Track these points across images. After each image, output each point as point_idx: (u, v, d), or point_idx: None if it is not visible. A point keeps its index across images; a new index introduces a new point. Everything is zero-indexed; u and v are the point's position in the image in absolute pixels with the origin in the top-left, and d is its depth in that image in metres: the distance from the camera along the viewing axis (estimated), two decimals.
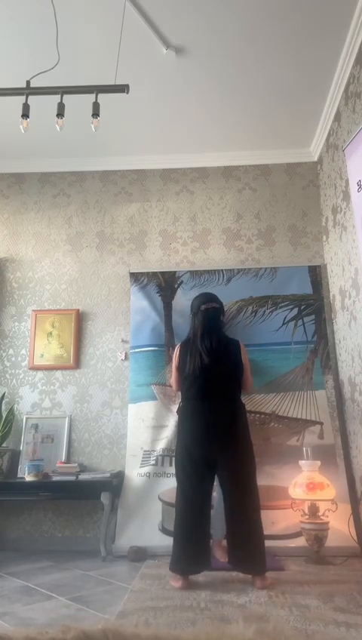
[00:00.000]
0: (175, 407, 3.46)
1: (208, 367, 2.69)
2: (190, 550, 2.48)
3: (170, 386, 3.50)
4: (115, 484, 3.21)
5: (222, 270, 3.84)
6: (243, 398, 3.34)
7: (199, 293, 3.20)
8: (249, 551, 2.43)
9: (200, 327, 2.85)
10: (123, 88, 2.41)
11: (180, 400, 2.85)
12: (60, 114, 2.35)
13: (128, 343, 3.75)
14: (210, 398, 2.67)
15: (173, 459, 3.31)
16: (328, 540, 2.87)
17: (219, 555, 2.70)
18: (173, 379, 2.98)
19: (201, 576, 2.52)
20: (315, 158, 4.06)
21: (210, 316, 2.89)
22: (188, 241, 4.02)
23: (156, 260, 3.98)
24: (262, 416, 3.40)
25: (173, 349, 3.58)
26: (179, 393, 2.93)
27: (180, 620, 1.95)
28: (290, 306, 3.69)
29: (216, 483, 2.65)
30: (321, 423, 3.37)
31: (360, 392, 3.09)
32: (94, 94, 2.39)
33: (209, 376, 2.69)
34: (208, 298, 2.99)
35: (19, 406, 3.68)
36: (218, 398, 2.67)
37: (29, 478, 3.19)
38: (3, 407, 3.58)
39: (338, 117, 3.43)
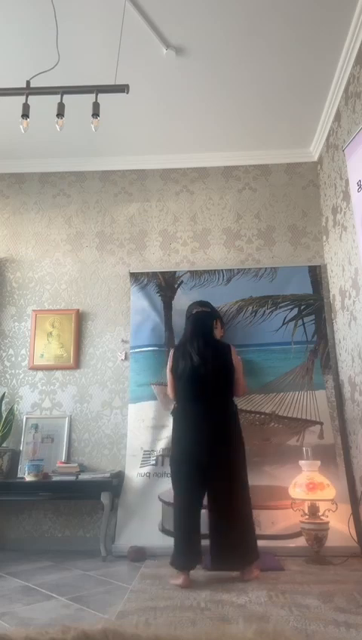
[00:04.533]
0: None
1: (198, 368, 2.77)
2: (184, 546, 2.53)
3: None
4: (115, 484, 3.21)
5: (222, 270, 3.84)
6: (244, 399, 3.36)
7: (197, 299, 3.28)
8: (222, 545, 2.50)
9: (190, 330, 2.98)
10: (123, 88, 2.41)
11: (175, 402, 2.91)
12: (60, 114, 2.35)
13: (128, 343, 3.74)
14: (201, 398, 2.74)
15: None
16: (328, 540, 2.87)
17: None
18: (168, 386, 2.98)
19: (201, 577, 2.53)
20: (315, 158, 4.06)
21: (200, 319, 3.01)
22: (188, 241, 4.02)
23: (156, 260, 3.98)
24: (262, 416, 3.40)
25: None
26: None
27: (180, 619, 1.95)
28: (290, 306, 3.69)
29: None
30: (321, 423, 3.37)
31: (360, 392, 3.08)
32: (94, 94, 2.39)
33: (199, 377, 2.76)
34: (200, 303, 3.14)
35: (20, 406, 3.68)
36: (208, 398, 2.74)
37: (29, 478, 3.19)
38: (3, 407, 3.58)
39: (338, 117, 3.43)
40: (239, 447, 2.69)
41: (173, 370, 2.89)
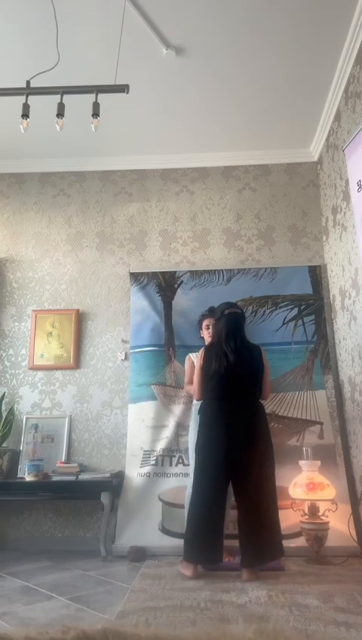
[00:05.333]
0: (175, 407, 3.46)
1: (233, 367, 2.79)
2: (205, 541, 2.58)
3: (171, 386, 3.51)
4: (115, 484, 3.21)
5: (222, 270, 3.84)
6: None
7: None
8: (252, 545, 2.56)
9: (224, 330, 2.95)
10: (123, 88, 2.41)
11: (202, 400, 2.91)
12: (60, 114, 2.35)
13: (128, 343, 3.74)
14: (232, 398, 2.77)
15: (172, 458, 3.35)
16: (328, 540, 2.87)
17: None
18: (195, 384, 2.98)
19: (201, 576, 2.53)
20: (315, 158, 4.06)
21: (233, 320, 3.00)
22: (188, 241, 4.02)
23: (156, 260, 3.98)
24: None
25: (173, 348, 3.62)
26: (192, 397, 3.06)
27: (180, 619, 1.94)
28: (290, 306, 3.69)
29: None
30: (321, 423, 3.37)
31: (360, 392, 3.08)
32: (94, 94, 2.39)
33: (234, 376, 2.79)
34: (230, 304, 3.12)
35: (20, 406, 3.68)
36: (239, 398, 2.78)
37: (29, 478, 3.19)
38: (3, 407, 3.58)
39: (338, 117, 3.43)
40: (268, 448, 2.75)
41: (205, 369, 2.89)
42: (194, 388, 3.01)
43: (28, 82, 2.43)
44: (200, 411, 2.88)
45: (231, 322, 2.97)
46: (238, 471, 2.67)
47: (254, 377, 2.85)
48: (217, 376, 2.80)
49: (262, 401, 2.91)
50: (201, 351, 3.01)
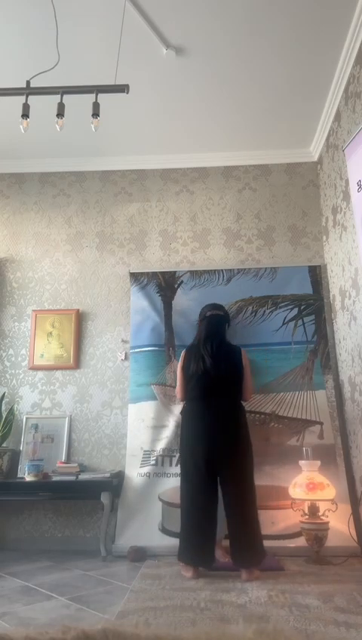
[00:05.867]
0: (175, 407, 3.46)
1: (210, 370, 2.81)
2: (195, 543, 2.58)
3: (171, 386, 3.51)
4: (115, 484, 3.21)
5: (222, 270, 3.84)
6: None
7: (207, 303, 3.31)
8: (243, 545, 2.55)
9: (203, 332, 3.00)
10: (123, 88, 2.41)
11: (184, 402, 2.94)
12: (60, 114, 2.35)
13: (128, 343, 3.74)
14: (211, 398, 2.78)
15: (172, 458, 3.36)
16: (328, 540, 2.87)
17: (220, 555, 2.71)
18: (178, 386, 3.02)
19: (201, 576, 2.53)
20: (315, 158, 4.06)
21: (214, 322, 3.05)
22: (188, 241, 4.02)
23: (156, 260, 3.98)
24: (262, 416, 3.40)
25: (173, 348, 3.62)
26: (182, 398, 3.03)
27: (180, 619, 1.94)
28: (290, 306, 3.69)
29: None
30: (321, 423, 3.37)
31: (360, 392, 3.09)
32: (94, 94, 2.39)
33: (210, 378, 2.81)
34: (214, 306, 3.16)
35: (20, 406, 3.68)
36: (218, 397, 2.78)
37: (29, 478, 3.19)
38: (3, 407, 3.58)
39: (338, 117, 3.43)
40: (247, 448, 2.75)
41: (185, 370, 2.92)
42: (176, 389, 3.04)
43: (28, 82, 2.43)
44: (182, 412, 2.91)
45: (211, 325, 3.03)
46: (219, 471, 2.66)
47: (232, 378, 2.86)
48: (195, 377, 2.84)
49: (244, 402, 2.93)
50: (183, 353, 3.04)
